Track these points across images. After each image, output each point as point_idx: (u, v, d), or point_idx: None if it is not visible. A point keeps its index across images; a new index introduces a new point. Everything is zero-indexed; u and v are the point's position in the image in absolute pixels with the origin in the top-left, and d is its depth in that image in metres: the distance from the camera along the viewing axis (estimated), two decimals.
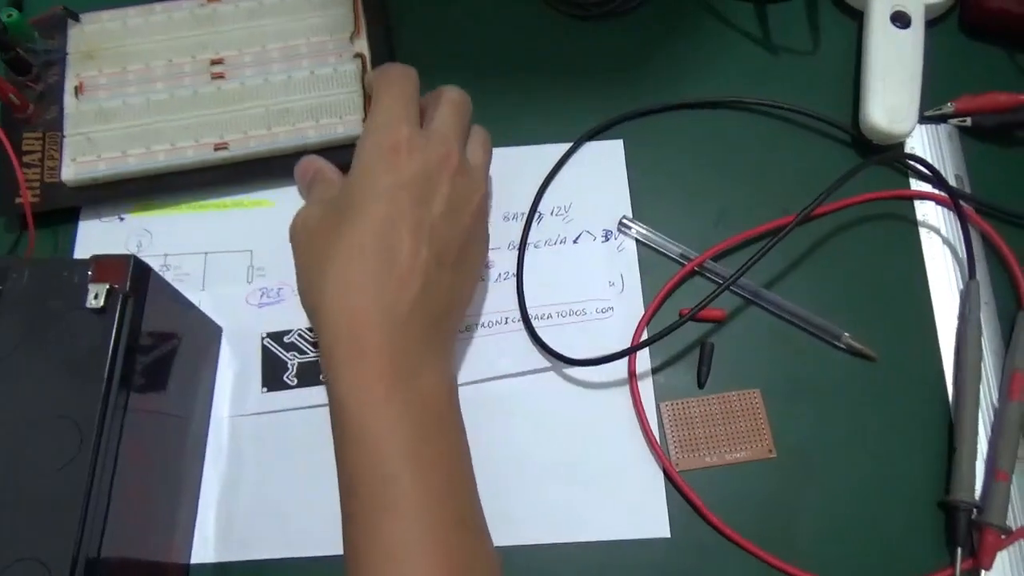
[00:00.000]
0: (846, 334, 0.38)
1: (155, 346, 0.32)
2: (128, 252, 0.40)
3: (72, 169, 0.40)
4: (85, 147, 0.41)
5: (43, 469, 0.28)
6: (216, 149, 0.41)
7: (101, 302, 0.29)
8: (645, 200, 0.42)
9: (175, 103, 0.42)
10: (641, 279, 0.40)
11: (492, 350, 0.39)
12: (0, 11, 0.41)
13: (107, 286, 0.30)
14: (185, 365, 0.36)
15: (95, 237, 0.41)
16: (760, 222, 0.41)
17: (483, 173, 0.38)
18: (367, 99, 0.42)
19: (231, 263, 0.40)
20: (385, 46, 0.43)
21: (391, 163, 0.34)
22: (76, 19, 0.43)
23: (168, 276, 0.40)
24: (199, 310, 0.38)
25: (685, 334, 0.39)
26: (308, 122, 0.41)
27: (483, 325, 0.39)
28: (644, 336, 0.38)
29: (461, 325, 0.39)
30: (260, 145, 0.41)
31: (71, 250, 0.41)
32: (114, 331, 0.29)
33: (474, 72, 0.44)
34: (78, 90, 0.42)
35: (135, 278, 0.30)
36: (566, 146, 0.43)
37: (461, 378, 0.38)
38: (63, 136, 0.41)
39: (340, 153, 0.41)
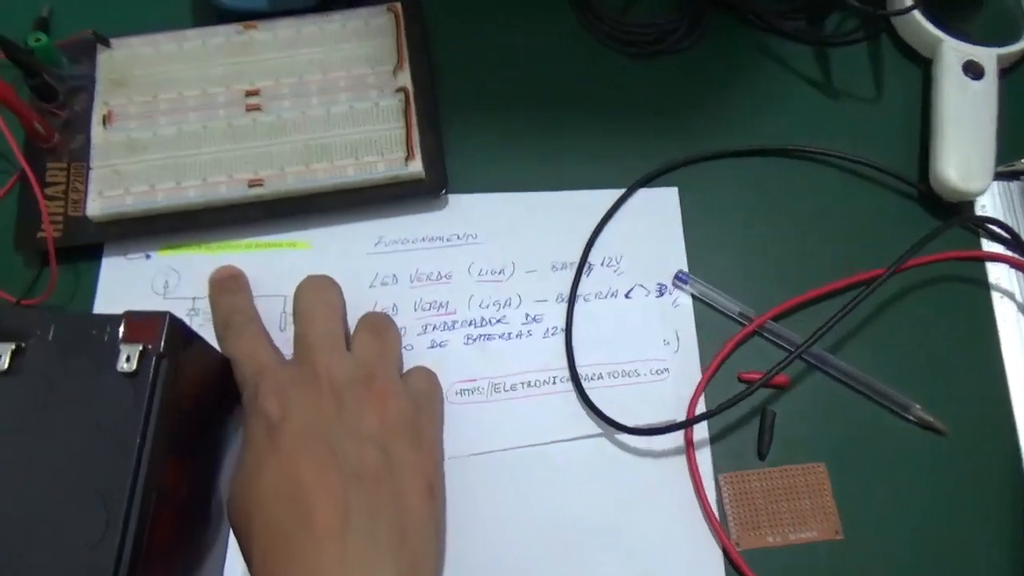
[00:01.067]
0: (916, 405, 0.36)
1: (189, 411, 0.30)
2: (154, 292, 0.39)
3: (98, 204, 0.38)
4: (112, 180, 0.39)
5: (66, 550, 0.25)
6: (251, 186, 0.39)
7: (134, 366, 0.27)
8: (701, 252, 0.39)
9: (208, 135, 0.39)
10: (697, 339, 0.38)
11: (538, 412, 0.36)
12: (28, 35, 0.39)
13: (140, 347, 0.27)
14: (219, 429, 0.34)
15: (119, 276, 0.39)
16: (823, 280, 0.38)
17: (429, 401, 0.34)
18: (410, 135, 0.39)
19: (263, 309, 0.38)
20: (428, 81, 0.41)
21: (311, 393, 0.31)
22: (106, 44, 0.41)
23: (195, 322, 0.38)
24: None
25: (745, 399, 0.36)
26: (348, 159, 0.39)
27: (529, 384, 0.37)
28: (702, 401, 0.36)
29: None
30: (297, 182, 0.39)
31: (93, 288, 0.38)
32: (146, 398, 0.27)
33: (519, 110, 0.42)
34: (106, 119, 0.40)
35: (170, 337, 0.28)
36: (617, 192, 0.40)
37: (503, 442, 0.36)
38: (89, 168, 0.39)
39: (380, 192, 0.39)
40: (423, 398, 0.33)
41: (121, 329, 0.28)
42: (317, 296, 0.34)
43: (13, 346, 0.28)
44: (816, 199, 0.41)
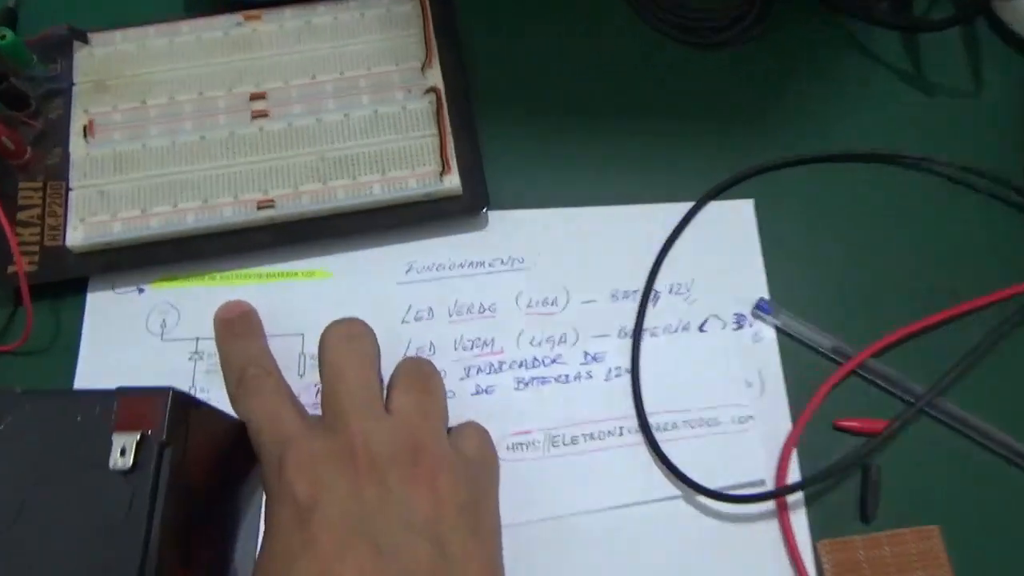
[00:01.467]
0: None
1: (199, 497, 0.25)
2: (150, 332, 0.33)
3: (80, 232, 0.32)
4: (96, 203, 0.33)
5: None
6: (260, 207, 0.33)
7: (130, 461, 0.22)
8: (783, 276, 0.34)
9: (207, 148, 0.34)
10: (784, 379, 0.33)
11: (603, 470, 0.31)
12: None
13: (137, 436, 0.22)
14: (232, 503, 0.28)
15: (108, 314, 0.33)
16: (925, 307, 0.33)
17: (487, 471, 0.28)
18: (444, 145, 0.34)
19: (279, 351, 0.32)
20: (461, 80, 0.36)
21: (347, 473, 0.25)
22: (84, 40, 0.35)
23: (200, 367, 0.33)
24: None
25: (842, 449, 0.31)
26: (372, 175, 0.34)
27: (591, 436, 0.32)
28: (794, 457, 0.31)
29: None
30: (314, 203, 0.33)
31: (78, 331, 0.33)
32: (148, 497, 0.22)
33: (567, 112, 0.37)
34: (87, 130, 0.34)
35: (173, 419, 0.23)
36: (684, 206, 0.35)
37: (563, 507, 0.31)
38: (69, 189, 0.33)
39: (411, 211, 0.34)
40: (479, 468, 0.28)
41: (114, 411, 0.22)
42: (347, 346, 0.28)
43: None
44: (915, 212, 0.35)
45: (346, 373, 0.28)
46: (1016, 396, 0.32)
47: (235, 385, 0.29)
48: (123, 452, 0.22)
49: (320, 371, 0.28)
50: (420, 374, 0.29)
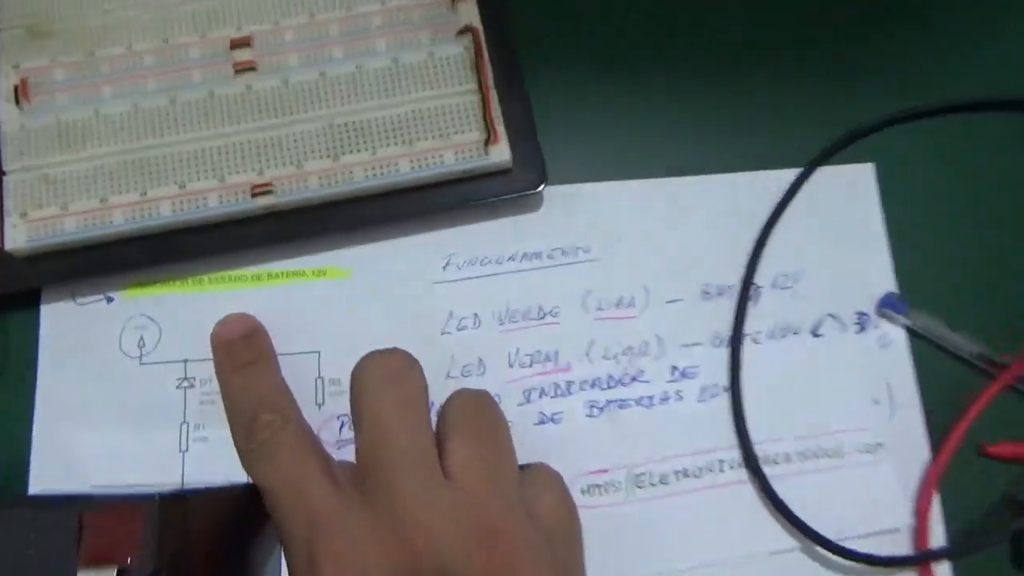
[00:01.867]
0: None
1: None
2: (126, 355, 0.26)
3: (23, 231, 0.25)
4: (40, 192, 0.25)
5: None
6: (255, 193, 0.25)
7: None
8: (914, 263, 0.27)
9: (180, 114, 0.26)
10: (919, 395, 0.26)
11: (701, 516, 0.25)
12: None
13: (113, 571, 0.16)
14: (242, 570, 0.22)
15: (70, 332, 0.26)
16: None
17: (571, 544, 0.22)
18: (487, 104, 0.26)
19: (289, 372, 0.26)
20: (501, 15, 0.27)
21: (400, 567, 0.19)
22: None
23: (192, 397, 0.26)
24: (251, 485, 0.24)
25: (993, 486, 0.25)
26: (396, 147, 0.26)
27: (684, 473, 0.26)
28: (935, 498, 0.25)
29: None
30: (323, 186, 0.26)
31: (33, 357, 0.26)
32: None
33: (637, 57, 0.29)
34: (19, 92, 0.26)
35: (163, 538, 0.16)
36: (788, 174, 0.28)
37: (653, 563, 0.25)
38: (1, 172, 0.26)
39: (447, 191, 0.26)
40: (561, 540, 0.22)
41: (78, 541, 0.16)
42: (390, 390, 0.22)
43: None
44: None
45: (391, 427, 0.21)
46: None
47: (244, 439, 0.23)
48: None
49: (355, 421, 0.22)
50: (481, 417, 0.22)
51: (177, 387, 0.26)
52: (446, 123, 0.26)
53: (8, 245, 0.25)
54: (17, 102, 0.26)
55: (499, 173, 0.26)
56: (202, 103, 0.26)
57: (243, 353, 0.25)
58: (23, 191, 0.25)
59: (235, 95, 0.26)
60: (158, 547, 0.16)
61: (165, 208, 0.25)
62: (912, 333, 0.27)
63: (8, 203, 0.25)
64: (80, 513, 0.16)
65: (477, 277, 0.27)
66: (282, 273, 0.27)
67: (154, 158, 0.26)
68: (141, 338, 0.26)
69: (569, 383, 0.26)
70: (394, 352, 0.22)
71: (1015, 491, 0.26)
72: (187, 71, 0.26)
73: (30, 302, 0.26)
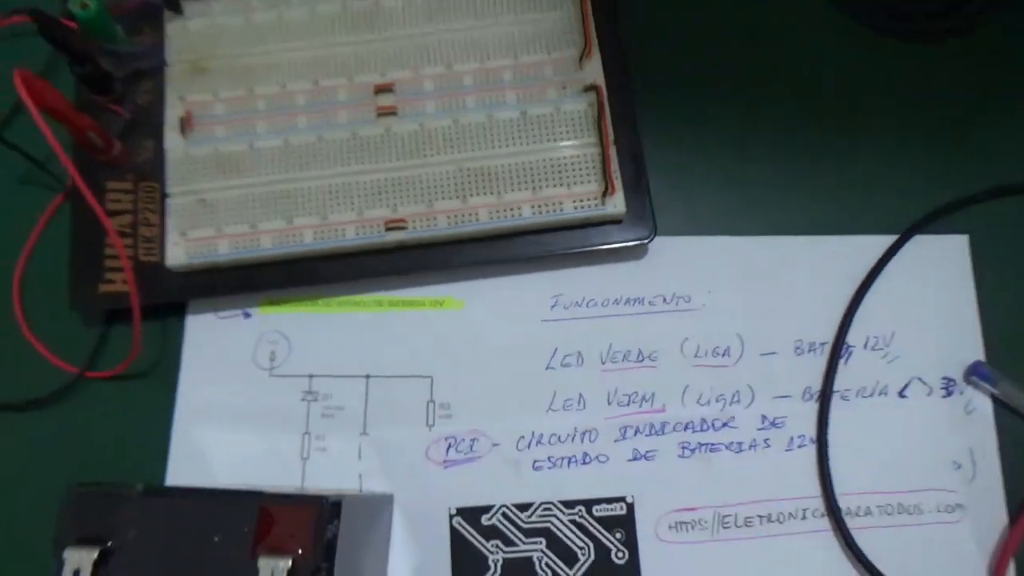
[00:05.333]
0: None
1: None
2: (258, 366, 0.29)
3: (182, 249, 0.28)
4: (198, 214, 0.28)
5: None
6: (388, 228, 0.28)
7: None
8: (1004, 333, 0.28)
9: (326, 151, 0.28)
10: (1000, 461, 0.28)
11: (783, 559, 0.27)
12: (69, 0, 0.28)
13: (288, 562, 0.18)
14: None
15: (209, 342, 0.29)
16: None
17: None
18: (607, 157, 0.28)
19: (404, 395, 0.28)
20: (622, 76, 0.29)
21: None
22: (177, 10, 0.29)
23: (315, 410, 0.28)
24: (373, 495, 0.26)
25: None
26: (520, 191, 0.28)
27: (768, 518, 0.27)
28: (1011, 563, 0.26)
29: None
30: (451, 225, 0.28)
31: (176, 359, 0.29)
32: None
33: (741, 120, 0.30)
34: (185, 123, 0.29)
35: (325, 537, 0.18)
36: (885, 240, 0.29)
37: None
38: (165, 194, 0.28)
39: (561, 236, 0.28)
40: None
41: (253, 531, 0.18)
42: None
43: (96, 553, 0.18)
44: None
45: None
46: None
47: None
48: None
49: None
50: None
51: (302, 399, 0.29)
52: (568, 173, 0.28)
53: (168, 261, 0.28)
54: (182, 131, 0.29)
55: (612, 223, 0.28)
56: (346, 142, 0.29)
57: None
58: (183, 213, 0.28)
59: (376, 136, 0.29)
60: (325, 545, 0.18)
61: (308, 236, 0.28)
62: (997, 401, 0.28)
63: (169, 222, 0.28)
64: (261, 506, 0.18)
65: (583, 318, 0.29)
66: (402, 301, 0.29)
67: (300, 190, 0.28)
68: (272, 352, 0.29)
69: (664, 423, 0.28)
70: None
71: None
72: (334, 112, 0.29)
73: (177, 312, 0.29)
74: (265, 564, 0.18)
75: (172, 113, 0.29)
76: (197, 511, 0.19)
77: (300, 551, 0.18)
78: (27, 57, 0.28)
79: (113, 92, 0.29)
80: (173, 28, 0.30)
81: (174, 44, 0.30)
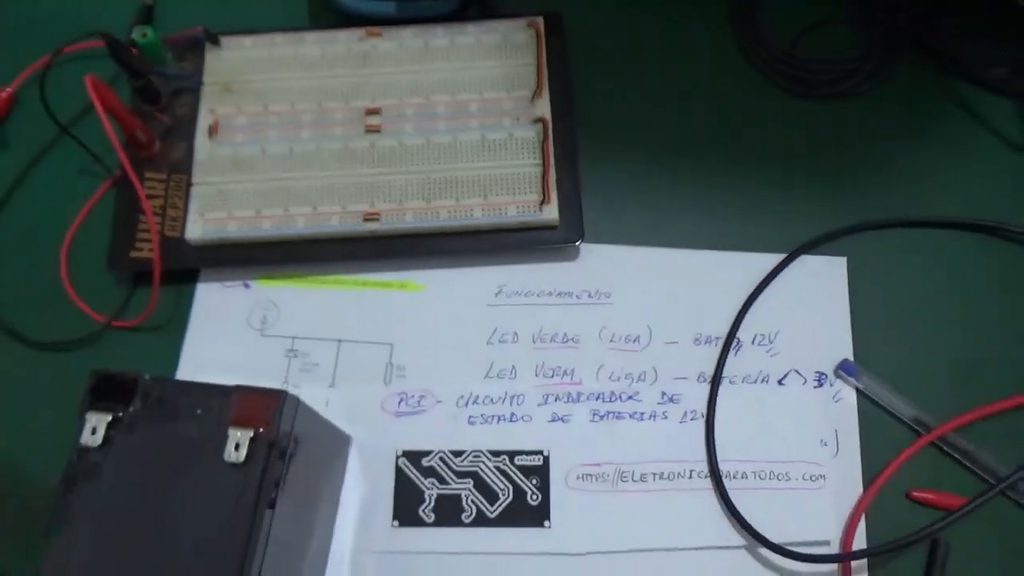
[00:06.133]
0: None
1: (293, 488, 0.26)
2: (251, 326, 0.35)
3: (199, 226, 0.35)
4: (215, 200, 0.35)
5: None
6: (366, 219, 0.34)
7: (242, 456, 0.23)
8: (869, 339, 0.34)
9: (322, 157, 0.35)
10: (860, 442, 0.33)
11: (669, 510, 0.32)
12: (133, 30, 0.35)
13: (251, 433, 0.24)
14: (311, 488, 0.30)
15: (214, 305, 0.35)
16: (1020, 387, 0.33)
17: None
18: (547, 175, 0.35)
19: (367, 357, 0.34)
20: (568, 113, 0.36)
21: None
22: (216, 43, 0.37)
23: (295, 365, 0.34)
24: (334, 427, 0.32)
25: (911, 522, 0.31)
26: (474, 198, 0.35)
27: (661, 476, 0.32)
28: (862, 524, 0.31)
29: None
30: (417, 220, 0.34)
31: (185, 317, 0.35)
32: (256, 490, 0.23)
33: (667, 152, 0.37)
34: (212, 130, 0.36)
35: (284, 418, 0.24)
36: (775, 258, 0.35)
37: (626, 542, 0.31)
38: (191, 184, 0.35)
39: (506, 237, 0.35)
40: None
41: (231, 409, 0.24)
42: None
43: (109, 417, 0.24)
44: (1016, 286, 0.35)
45: None
46: None
47: None
48: (237, 447, 0.23)
49: None
50: None
51: (285, 356, 0.35)
52: (514, 185, 0.35)
53: (188, 235, 0.34)
54: (210, 136, 0.36)
55: (548, 227, 0.35)
56: (338, 151, 0.35)
57: None
58: (204, 198, 0.35)
59: (362, 148, 0.36)
60: (280, 424, 0.24)
61: (300, 222, 0.35)
62: (860, 393, 0.33)
63: (191, 205, 0.35)
64: (235, 393, 0.24)
65: (521, 305, 0.35)
66: (373, 282, 0.36)
67: (298, 186, 0.35)
68: (264, 317, 0.35)
69: (579, 394, 0.34)
70: None
71: (934, 528, 0.31)
72: (331, 127, 0.36)
73: (190, 279, 0.36)
74: (233, 433, 0.24)
75: (203, 122, 0.36)
76: (188, 393, 0.25)
77: (261, 429, 0.24)
78: (97, 71, 0.36)
79: (159, 103, 0.37)
80: (211, 57, 0.37)
81: (211, 69, 0.37)
